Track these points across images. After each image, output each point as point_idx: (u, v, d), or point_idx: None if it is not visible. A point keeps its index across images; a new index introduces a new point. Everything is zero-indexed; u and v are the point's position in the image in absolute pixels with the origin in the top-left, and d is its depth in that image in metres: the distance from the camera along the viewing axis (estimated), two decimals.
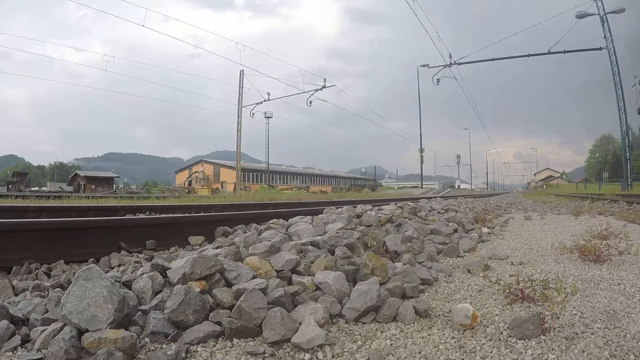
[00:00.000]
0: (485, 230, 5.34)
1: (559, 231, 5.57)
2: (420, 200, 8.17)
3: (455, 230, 4.64)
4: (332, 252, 2.84)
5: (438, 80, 39.34)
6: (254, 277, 2.44)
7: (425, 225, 4.34)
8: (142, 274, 2.30)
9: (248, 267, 2.50)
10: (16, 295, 3.09)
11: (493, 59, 39.01)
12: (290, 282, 2.50)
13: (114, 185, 62.12)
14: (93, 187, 56.72)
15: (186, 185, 65.87)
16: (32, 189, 53.02)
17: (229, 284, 2.34)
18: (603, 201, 15.64)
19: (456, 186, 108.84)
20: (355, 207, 4.44)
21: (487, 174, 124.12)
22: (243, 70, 44.14)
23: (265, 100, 45.46)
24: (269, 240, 2.85)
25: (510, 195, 39.90)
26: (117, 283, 2.04)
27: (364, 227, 3.68)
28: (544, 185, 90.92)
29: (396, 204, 5.64)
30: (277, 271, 2.56)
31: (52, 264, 3.86)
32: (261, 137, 71.05)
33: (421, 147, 55.64)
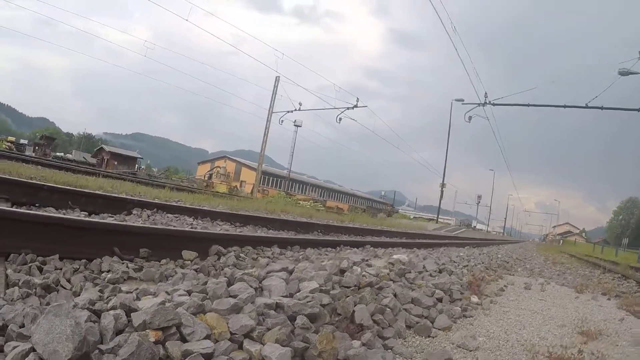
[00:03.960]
0: (474, 299, 5.20)
1: (549, 315, 5.37)
2: (419, 252, 8.04)
3: (440, 300, 4.48)
4: (295, 319, 2.78)
5: (470, 117, 38.87)
6: (207, 336, 2.42)
7: (408, 292, 4.22)
8: (111, 309, 2.36)
9: (204, 325, 2.47)
10: (7, 286, 3.16)
11: (528, 105, 38.35)
12: (241, 347, 2.47)
13: (136, 165, 63.00)
14: (116, 163, 57.71)
15: (205, 179, 66.40)
16: (58, 154, 53.87)
17: (183, 339, 2.35)
18: (614, 274, 15.19)
19: (473, 226, 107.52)
20: (342, 261, 4.35)
21: (505, 218, 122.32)
22: (279, 77, 44.52)
23: (295, 110, 45.80)
24: (235, 297, 2.81)
25: (524, 246, 38.95)
26: (81, 323, 2.09)
27: (342, 289, 3.60)
28: (561, 241, 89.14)
29: (389, 257, 5.54)
30: (232, 333, 2.52)
31: (47, 257, 3.91)
32: (287, 143, 71.53)
33: (443, 181, 55.27)
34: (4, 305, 2.44)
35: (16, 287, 3.08)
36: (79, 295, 3.06)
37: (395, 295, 4.00)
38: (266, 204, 20.01)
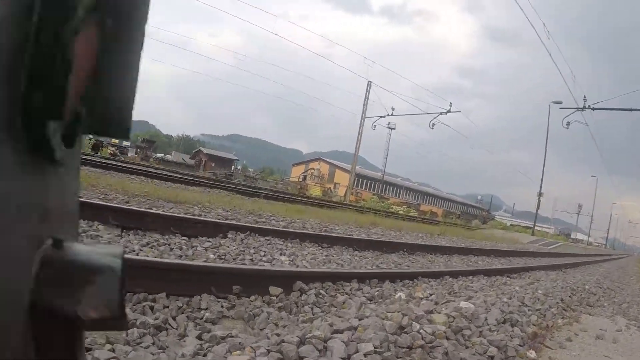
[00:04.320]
0: (531, 355, 5.39)
1: None
2: (498, 284, 8.17)
3: (492, 358, 4.80)
4: None
5: (568, 123, 35.73)
6: None
7: (460, 351, 4.59)
8: None
9: None
10: (128, 325, 4.07)
11: (631, 110, 35.24)
12: None
13: (232, 167, 66.28)
14: (213, 165, 61.32)
15: (300, 180, 68.26)
16: (157, 155, 57.33)
17: None
18: None
19: (572, 237, 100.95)
20: (403, 317, 4.84)
21: (608, 229, 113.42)
22: (371, 82, 45.15)
23: (388, 115, 46.36)
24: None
25: (624, 266, 35.01)
26: None
27: (396, 349, 4.14)
28: None
29: (454, 307, 5.85)
30: None
31: (156, 295, 4.79)
32: (380, 142, 71.91)
33: (540, 190, 52.75)
34: (130, 351, 3.24)
35: (135, 328, 3.93)
36: (184, 339, 3.86)
37: (446, 354, 4.42)
38: (355, 218, 20.42)
